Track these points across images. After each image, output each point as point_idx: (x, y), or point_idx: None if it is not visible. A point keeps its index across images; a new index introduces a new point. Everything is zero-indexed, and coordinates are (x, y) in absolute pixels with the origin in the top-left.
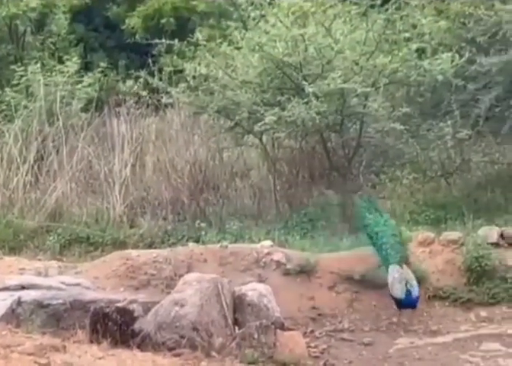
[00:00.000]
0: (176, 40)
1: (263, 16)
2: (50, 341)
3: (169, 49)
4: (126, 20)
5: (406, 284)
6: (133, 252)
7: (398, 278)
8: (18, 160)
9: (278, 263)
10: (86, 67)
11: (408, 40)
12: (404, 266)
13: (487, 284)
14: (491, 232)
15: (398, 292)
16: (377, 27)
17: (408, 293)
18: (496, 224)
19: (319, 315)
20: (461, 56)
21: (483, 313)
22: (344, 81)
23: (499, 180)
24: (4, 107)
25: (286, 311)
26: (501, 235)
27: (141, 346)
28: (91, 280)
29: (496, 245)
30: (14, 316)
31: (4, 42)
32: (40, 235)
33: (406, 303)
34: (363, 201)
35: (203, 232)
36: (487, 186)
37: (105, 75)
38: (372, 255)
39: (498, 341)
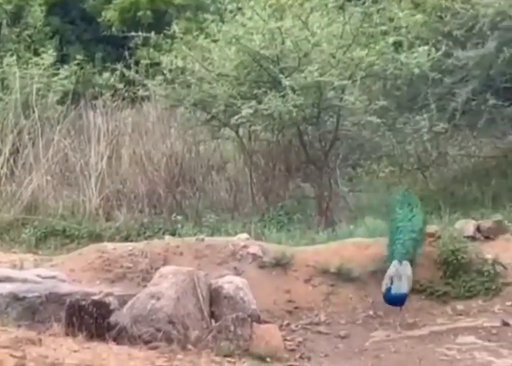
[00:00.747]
0: (152, 33)
1: (240, 9)
2: (26, 334)
3: (146, 42)
4: (103, 13)
5: (391, 280)
6: (109, 245)
7: (388, 274)
8: None
9: (254, 256)
10: (62, 59)
11: (384, 33)
12: (406, 263)
13: (463, 278)
14: (467, 226)
15: (382, 287)
16: (354, 20)
17: (388, 289)
18: (472, 217)
19: (295, 308)
20: (437, 50)
21: (459, 307)
22: (321, 75)
23: (475, 173)
24: None
25: (263, 304)
26: (478, 229)
27: (117, 339)
28: (67, 273)
29: (472, 238)
30: None
31: None
32: (15, 228)
33: (385, 299)
34: (399, 195)
35: (179, 225)
36: (463, 179)
37: (81, 68)
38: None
39: (474, 334)
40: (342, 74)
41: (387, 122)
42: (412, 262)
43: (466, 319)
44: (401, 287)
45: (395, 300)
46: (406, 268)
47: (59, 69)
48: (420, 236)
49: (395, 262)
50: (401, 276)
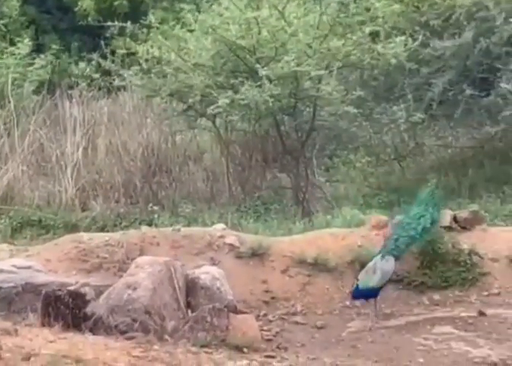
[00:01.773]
0: (129, 23)
1: None
2: (1, 325)
3: (122, 32)
4: (79, 3)
5: (365, 275)
6: (85, 235)
7: (365, 268)
8: None
9: (231, 246)
10: (38, 49)
11: (361, 23)
12: (389, 258)
13: (440, 268)
14: (444, 216)
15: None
16: (330, 10)
17: (356, 285)
18: (449, 208)
19: (272, 298)
20: (414, 40)
21: (436, 297)
22: (298, 65)
23: (452, 164)
24: None
25: (239, 294)
26: (454, 219)
27: (93, 329)
28: (43, 264)
29: (449, 228)
30: None
31: None
32: None
33: (351, 294)
34: (424, 193)
35: (155, 216)
36: (440, 170)
37: (57, 58)
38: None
39: (451, 324)
40: (319, 64)
41: (364, 112)
42: (399, 257)
43: (443, 309)
44: (370, 281)
45: (360, 295)
46: (387, 264)
47: (34, 58)
48: (423, 236)
49: (377, 257)
50: (375, 270)
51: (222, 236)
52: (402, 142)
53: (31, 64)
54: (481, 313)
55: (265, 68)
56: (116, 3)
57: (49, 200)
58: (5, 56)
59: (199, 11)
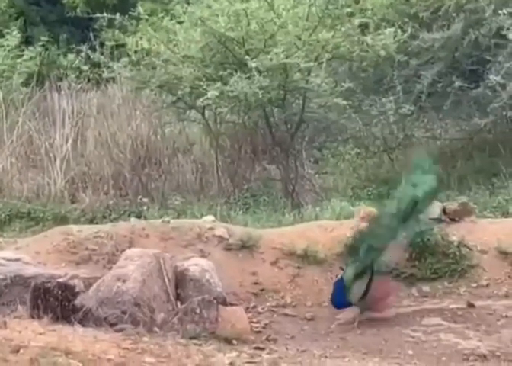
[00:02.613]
0: (117, 14)
1: None
2: None
3: (111, 24)
4: None
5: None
6: (75, 227)
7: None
8: None
9: (220, 238)
10: (27, 41)
11: (350, 15)
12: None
13: (429, 260)
14: (433, 208)
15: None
16: (319, 2)
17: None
18: (438, 199)
19: (261, 290)
20: (403, 32)
21: (425, 288)
22: (287, 56)
23: (441, 155)
24: None
25: (229, 286)
26: (443, 211)
27: (82, 322)
28: (32, 256)
29: (438, 220)
30: None
31: None
32: None
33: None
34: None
35: (144, 208)
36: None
37: (46, 50)
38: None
39: (440, 316)
40: (308, 56)
41: (353, 104)
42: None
43: (432, 301)
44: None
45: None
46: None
47: (23, 50)
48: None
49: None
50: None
51: (211, 228)
52: (391, 134)
53: (20, 56)
54: (470, 305)
55: (254, 60)
56: None
57: (38, 192)
58: None
59: (188, 3)
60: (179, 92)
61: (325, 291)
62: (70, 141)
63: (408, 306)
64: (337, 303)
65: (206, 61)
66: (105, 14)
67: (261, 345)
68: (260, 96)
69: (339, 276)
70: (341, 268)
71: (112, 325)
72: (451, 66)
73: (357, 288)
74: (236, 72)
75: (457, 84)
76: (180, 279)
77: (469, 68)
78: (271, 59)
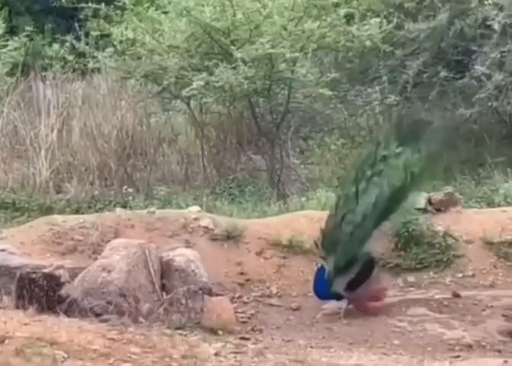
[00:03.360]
0: (103, 4)
1: None
2: None
3: (96, 14)
4: None
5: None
6: (60, 218)
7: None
8: None
9: (206, 228)
10: (11, 31)
11: (336, 5)
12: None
13: (414, 250)
14: (418, 198)
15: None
16: None
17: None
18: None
19: (247, 280)
20: (389, 22)
21: (410, 279)
22: (272, 47)
23: None
24: None
25: (214, 276)
26: (429, 201)
27: (68, 312)
28: (17, 246)
29: (424, 210)
30: None
31: None
32: None
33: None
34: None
35: (130, 198)
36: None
37: (31, 40)
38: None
39: (425, 306)
40: (293, 46)
41: (338, 94)
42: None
43: (417, 291)
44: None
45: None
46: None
47: (8, 40)
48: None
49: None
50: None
51: (196, 219)
52: (377, 124)
53: (5, 46)
54: (456, 295)
55: (240, 50)
56: None
57: (23, 182)
58: None
59: None
60: (164, 82)
61: (311, 281)
62: (55, 131)
63: (394, 297)
64: (320, 294)
65: (192, 51)
66: (90, 4)
67: (247, 336)
68: (246, 86)
69: (319, 265)
70: (322, 257)
71: (97, 315)
72: (436, 57)
73: (340, 281)
74: (222, 62)
75: (443, 74)
76: (166, 269)
77: (455, 58)
78: (257, 50)
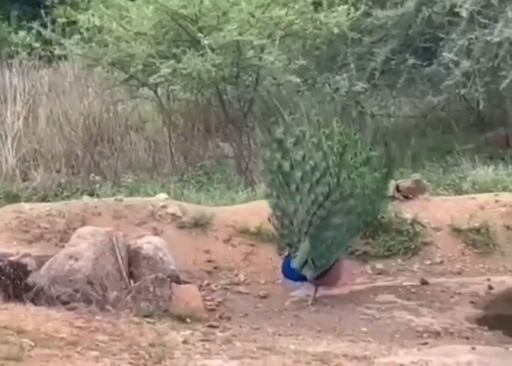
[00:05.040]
0: None
1: None
2: None
3: (62, 0)
4: None
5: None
6: (26, 206)
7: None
8: None
9: (173, 216)
10: None
11: None
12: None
13: (382, 237)
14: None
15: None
16: None
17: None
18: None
19: (215, 268)
20: (357, 9)
21: (379, 266)
22: (240, 34)
23: (395, 133)
24: None
25: (182, 264)
26: (397, 188)
27: (34, 300)
28: None
29: (392, 198)
30: None
31: None
32: None
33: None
34: None
35: (97, 186)
36: (382, 139)
37: None
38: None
39: (393, 293)
40: (261, 33)
41: (306, 82)
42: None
43: (386, 278)
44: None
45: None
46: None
47: None
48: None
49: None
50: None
51: (164, 206)
52: (344, 111)
53: None
54: (424, 282)
55: (207, 37)
56: None
57: None
58: None
59: None
60: (131, 70)
61: (279, 269)
62: (21, 119)
63: (362, 284)
64: (289, 275)
65: (159, 38)
66: None
67: (215, 323)
68: (214, 73)
69: (285, 253)
70: (288, 245)
71: (64, 303)
72: (404, 44)
73: (310, 271)
74: (189, 49)
75: (410, 61)
76: (133, 257)
77: (422, 45)
78: (224, 37)
